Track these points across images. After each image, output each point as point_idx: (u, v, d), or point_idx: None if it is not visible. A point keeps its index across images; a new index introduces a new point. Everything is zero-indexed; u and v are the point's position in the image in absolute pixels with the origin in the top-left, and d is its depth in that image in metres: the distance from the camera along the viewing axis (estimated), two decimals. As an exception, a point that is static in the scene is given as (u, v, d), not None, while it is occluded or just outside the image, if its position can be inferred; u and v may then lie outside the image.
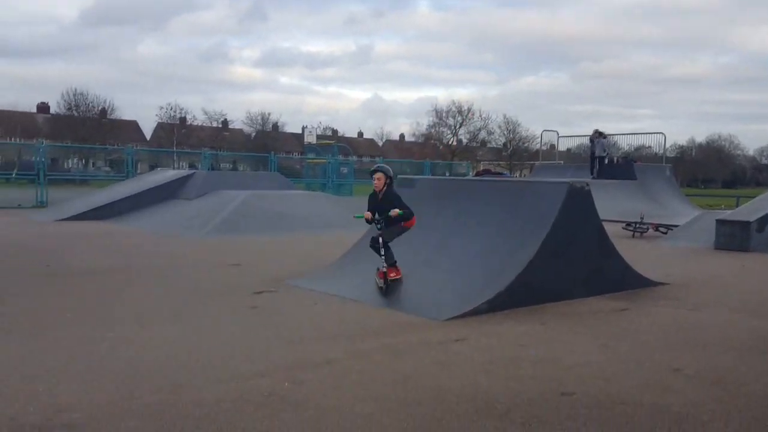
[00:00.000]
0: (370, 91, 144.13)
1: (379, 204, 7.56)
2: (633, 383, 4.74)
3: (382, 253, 7.46)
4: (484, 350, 5.52)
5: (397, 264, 7.64)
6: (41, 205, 21.26)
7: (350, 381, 4.64)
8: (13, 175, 27.31)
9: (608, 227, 8.46)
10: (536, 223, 7.57)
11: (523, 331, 6.21)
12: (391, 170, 7.72)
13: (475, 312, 6.71)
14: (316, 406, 4.11)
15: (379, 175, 7.55)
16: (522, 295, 7.10)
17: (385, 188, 7.60)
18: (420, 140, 73.81)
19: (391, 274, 7.55)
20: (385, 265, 7.51)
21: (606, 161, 24.79)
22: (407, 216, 7.54)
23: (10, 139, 55.53)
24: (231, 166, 40.14)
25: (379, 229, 7.55)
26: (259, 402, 4.17)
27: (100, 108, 63.50)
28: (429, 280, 7.66)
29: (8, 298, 7.25)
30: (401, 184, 9.77)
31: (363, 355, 5.30)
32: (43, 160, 22.84)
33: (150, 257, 10.84)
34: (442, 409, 4.13)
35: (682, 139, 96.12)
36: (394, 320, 6.55)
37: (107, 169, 41.52)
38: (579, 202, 7.81)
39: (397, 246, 8.66)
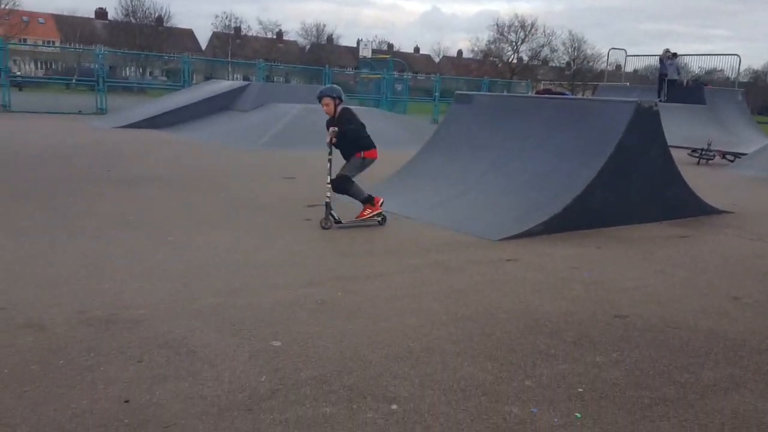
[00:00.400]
0: (428, 3, 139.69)
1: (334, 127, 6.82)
2: (689, 309, 4.66)
3: (328, 187, 6.77)
4: (536, 271, 5.48)
5: (372, 196, 7.00)
6: (101, 112, 21.69)
7: (401, 294, 4.68)
8: (73, 81, 27.85)
9: (673, 153, 8.13)
10: (599, 143, 7.32)
11: (578, 253, 6.13)
12: (336, 90, 6.95)
13: (529, 233, 6.63)
14: (367, 315, 4.18)
15: (326, 100, 6.82)
16: (579, 218, 6.97)
17: (337, 111, 6.86)
18: (479, 57, 71.67)
19: (366, 212, 7.00)
20: (330, 204, 6.79)
21: (675, 83, 23.71)
22: (352, 134, 6.72)
23: (70, 45, 56.44)
24: (284, 78, 39.90)
25: (329, 155, 6.82)
26: (313, 308, 4.26)
27: (156, 15, 63.65)
28: (482, 200, 7.58)
29: (74, 201, 7.51)
30: (458, 101, 9.55)
31: (414, 270, 5.34)
32: (102, 66, 23.11)
33: (206, 168, 11.02)
34: (491, 324, 4.14)
35: (758, 64, 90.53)
36: (445, 238, 6.54)
37: (163, 78, 41.90)
38: (646, 123, 7.49)
39: (452, 164, 8.56)
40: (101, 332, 3.68)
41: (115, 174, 9.63)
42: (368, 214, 7.02)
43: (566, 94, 41.26)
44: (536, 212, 6.92)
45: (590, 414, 3.04)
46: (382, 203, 7.08)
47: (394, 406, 3.01)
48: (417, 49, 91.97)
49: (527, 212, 6.98)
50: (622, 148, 7.23)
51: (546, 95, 28.34)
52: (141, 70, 46.80)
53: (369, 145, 6.96)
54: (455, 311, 4.37)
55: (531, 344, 3.85)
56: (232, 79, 32.44)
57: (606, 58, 35.99)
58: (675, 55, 23.90)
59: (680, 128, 17.91)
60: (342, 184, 6.89)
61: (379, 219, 7.11)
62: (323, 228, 6.74)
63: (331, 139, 6.70)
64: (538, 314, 4.38)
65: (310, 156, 13.07)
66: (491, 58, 69.67)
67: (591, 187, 7.04)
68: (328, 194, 6.80)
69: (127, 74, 42.44)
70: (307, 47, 74.25)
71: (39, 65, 44.23)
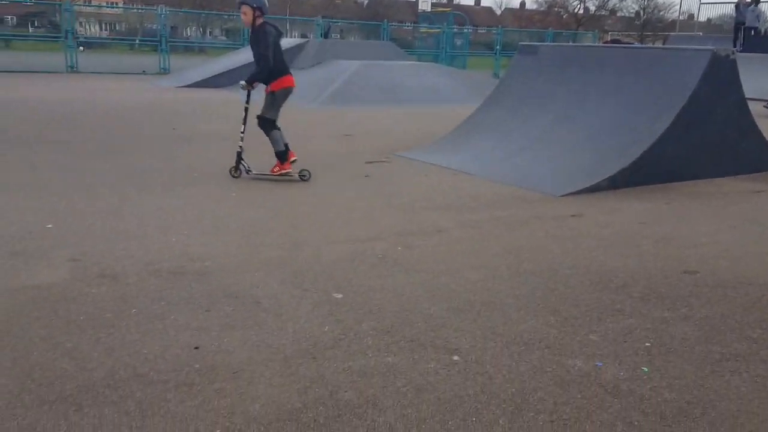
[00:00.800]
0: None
1: (251, 45, 6.44)
2: (762, 265, 4.47)
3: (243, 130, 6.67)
4: (602, 226, 5.35)
5: (287, 151, 6.65)
6: (164, 71, 22.09)
7: (461, 249, 4.66)
8: (137, 42, 28.41)
9: (749, 105, 7.72)
10: (671, 94, 6.99)
11: (646, 209, 5.94)
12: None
13: (595, 188, 6.46)
14: (427, 270, 4.18)
15: (244, 8, 6.29)
16: (648, 172, 6.73)
17: (255, 24, 6.34)
18: (542, 8, 69.28)
19: (275, 168, 6.71)
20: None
21: (752, 32, 22.40)
22: (259, 77, 6.37)
23: (133, 6, 57.43)
24: (339, 35, 39.53)
25: (246, 103, 6.64)
26: (373, 263, 4.28)
27: (214, -25, 63.86)
28: (546, 155, 7.39)
29: (141, 158, 7.73)
30: (522, 52, 9.28)
31: (475, 226, 5.29)
32: (164, 26, 23.44)
33: (267, 124, 11.12)
34: (555, 280, 4.08)
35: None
36: (507, 194, 6.44)
37: (223, 37, 42.26)
38: (721, 73, 7.10)
39: (515, 118, 8.37)
40: (170, 283, 3.80)
41: (179, 132, 9.84)
42: (276, 171, 6.71)
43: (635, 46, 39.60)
44: (602, 167, 6.72)
45: (657, 368, 2.97)
46: (294, 160, 6.71)
47: (456, 357, 3.01)
48: (477, 2, 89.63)
49: (593, 167, 6.78)
50: (695, 100, 6.90)
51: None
52: (201, 29, 47.27)
53: (277, 74, 6.44)
54: (517, 266, 4.32)
55: (596, 299, 3.78)
56: (291, 37, 32.43)
57: (678, 6, 34.28)
58: (757, 1, 22.48)
59: (757, 79, 16.95)
60: (260, 123, 6.63)
61: (299, 175, 6.73)
62: (232, 176, 6.70)
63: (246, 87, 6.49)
64: (604, 270, 4.29)
65: (369, 113, 13.05)
66: (556, 9, 67.16)
67: (661, 140, 6.77)
68: (240, 143, 6.72)
69: (188, 34, 42.96)
70: (365, 2, 73.43)
71: (103, 27, 45.24)
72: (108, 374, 2.77)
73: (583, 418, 2.56)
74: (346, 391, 2.70)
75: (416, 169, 7.52)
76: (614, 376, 2.89)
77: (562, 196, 6.30)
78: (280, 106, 6.62)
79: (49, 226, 4.85)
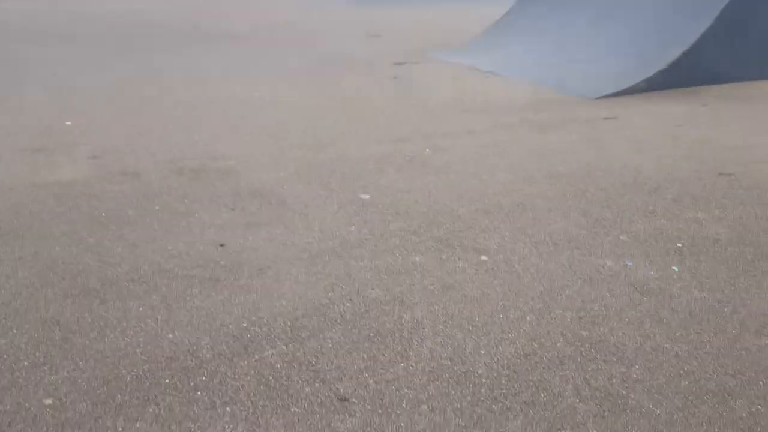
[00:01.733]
0: None
1: None
2: (802, 168, 4.30)
3: None
4: (636, 129, 5.17)
5: None
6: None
7: (492, 152, 4.54)
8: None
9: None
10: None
11: (683, 111, 5.71)
12: None
13: (631, 91, 6.19)
14: (456, 172, 4.10)
15: None
16: (686, 74, 6.41)
17: None
18: None
19: None
20: None
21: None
22: None
23: None
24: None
25: None
26: (401, 165, 4.21)
27: None
28: (583, 55, 7.07)
29: (161, 56, 7.58)
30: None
31: (505, 128, 5.14)
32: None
33: (289, 24, 10.81)
34: (586, 182, 3.97)
35: None
36: (540, 96, 6.23)
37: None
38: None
39: (551, 17, 8.00)
40: (193, 181, 3.79)
41: (201, 30, 9.62)
42: None
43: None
44: (640, 68, 6.42)
45: (688, 268, 2.91)
46: None
47: (484, 257, 2.97)
48: None
49: (630, 68, 6.49)
50: (739, -4, 6.48)
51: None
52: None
53: None
54: (548, 168, 4.20)
55: (628, 201, 3.68)
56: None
57: None
58: None
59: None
60: None
61: None
62: None
63: None
64: (637, 172, 4.16)
65: (398, 12, 12.57)
66: None
67: (701, 40, 6.40)
68: None
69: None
70: None
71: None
72: (132, 269, 2.79)
73: (612, 315, 2.52)
74: (372, 289, 2.68)
75: (447, 71, 7.28)
76: (644, 275, 2.84)
77: (598, 98, 6.08)
78: None
79: (69, 123, 4.83)
